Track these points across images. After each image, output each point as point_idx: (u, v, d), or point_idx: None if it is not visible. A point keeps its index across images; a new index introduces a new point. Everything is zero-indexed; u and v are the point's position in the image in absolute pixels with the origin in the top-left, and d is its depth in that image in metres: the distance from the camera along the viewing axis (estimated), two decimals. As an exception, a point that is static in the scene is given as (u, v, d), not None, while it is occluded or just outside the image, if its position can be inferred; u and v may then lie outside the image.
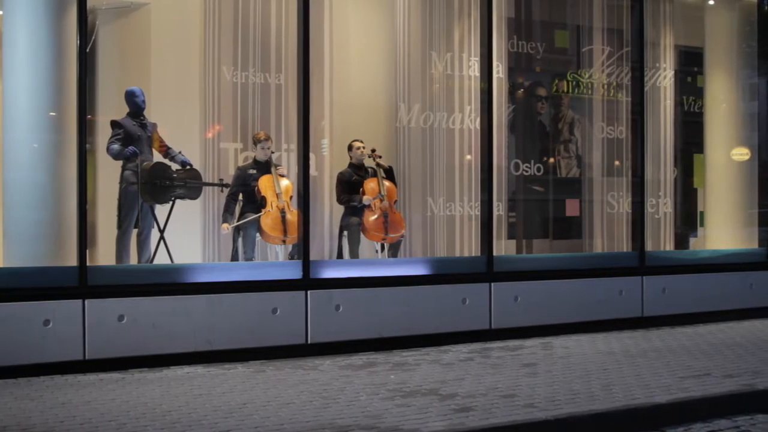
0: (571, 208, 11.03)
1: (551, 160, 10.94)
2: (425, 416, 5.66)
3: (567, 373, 7.10)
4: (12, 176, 7.59)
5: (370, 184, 9.29)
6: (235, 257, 8.79)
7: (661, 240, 11.11)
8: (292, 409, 5.88)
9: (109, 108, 8.80)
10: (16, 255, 7.61)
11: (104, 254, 8.76)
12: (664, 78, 11.22)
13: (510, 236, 10.46)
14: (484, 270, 8.99)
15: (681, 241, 11.78)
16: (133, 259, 8.45)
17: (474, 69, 9.81)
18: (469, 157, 9.83)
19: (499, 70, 10.07)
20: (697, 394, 6.32)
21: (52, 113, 7.56)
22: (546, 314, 9.17)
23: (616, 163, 10.73)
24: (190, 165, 8.58)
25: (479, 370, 7.28)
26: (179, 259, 8.40)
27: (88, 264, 7.52)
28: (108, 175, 8.73)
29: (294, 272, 8.16)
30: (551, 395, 6.26)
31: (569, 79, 10.84)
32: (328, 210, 9.56)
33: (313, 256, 9.17)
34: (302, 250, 8.23)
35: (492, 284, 8.94)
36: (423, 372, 7.23)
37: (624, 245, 10.67)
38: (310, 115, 8.29)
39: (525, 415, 5.64)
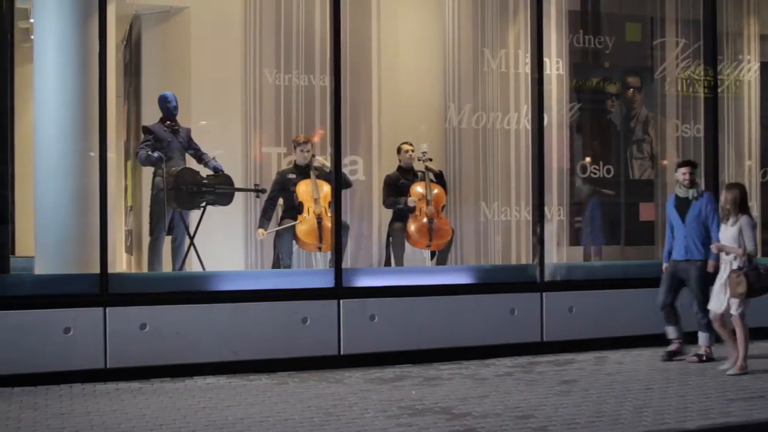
0: (646, 212, 10.30)
1: (627, 161, 10.23)
2: (420, 438, 5.26)
3: (604, 393, 6.53)
4: (43, 183, 7.59)
5: (416, 188, 8.86)
6: (276, 264, 8.54)
7: (745, 247, 10.21)
8: (286, 426, 5.58)
9: (152, 113, 8.70)
10: (48, 262, 7.61)
11: (147, 261, 8.68)
12: (748, 71, 10.36)
13: (575, 242, 9.84)
14: (535, 279, 8.44)
15: (770, 249, 10.83)
16: (167, 267, 8.31)
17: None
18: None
19: (559, 67, 9.51)
20: (737, 419, 5.66)
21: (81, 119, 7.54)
22: (604, 326, 8.53)
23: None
24: (222, 171, 8.35)
25: (511, 387, 6.79)
26: (219, 267, 8.19)
27: (115, 271, 7.45)
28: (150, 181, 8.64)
29: (326, 280, 7.83)
30: (572, 417, 5.73)
31: (695, 76, 10.02)
32: (377, 216, 9.21)
33: (359, 264, 8.89)
34: (334, 258, 7.90)
35: (543, 294, 8.38)
36: (450, 387, 6.80)
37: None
38: (341, 118, 7.98)
39: (528, 440, 5.16)
